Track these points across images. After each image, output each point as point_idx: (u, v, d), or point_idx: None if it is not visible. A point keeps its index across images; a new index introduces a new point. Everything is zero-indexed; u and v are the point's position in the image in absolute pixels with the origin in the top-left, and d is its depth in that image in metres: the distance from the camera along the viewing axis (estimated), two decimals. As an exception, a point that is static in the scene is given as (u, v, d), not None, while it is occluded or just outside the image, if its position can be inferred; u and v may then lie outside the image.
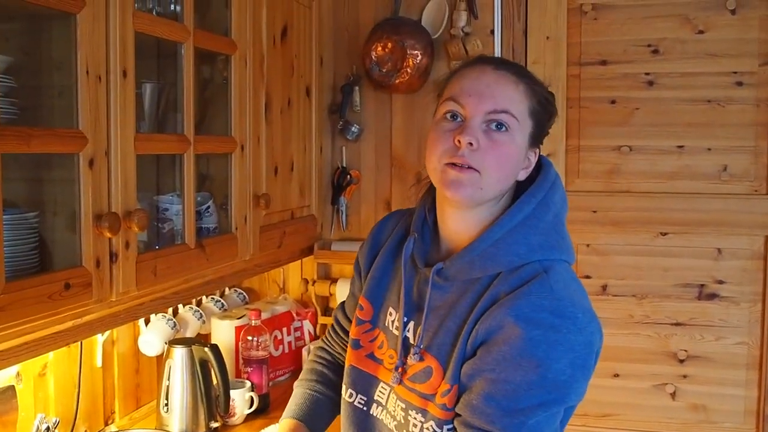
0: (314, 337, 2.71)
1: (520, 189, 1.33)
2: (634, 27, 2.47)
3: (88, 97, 1.35)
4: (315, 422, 1.51)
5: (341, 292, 2.64)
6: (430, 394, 1.28)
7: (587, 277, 2.55)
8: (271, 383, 2.36)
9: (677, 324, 2.50)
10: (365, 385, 1.40)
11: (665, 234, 2.50)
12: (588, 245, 2.55)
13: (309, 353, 1.66)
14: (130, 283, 1.48)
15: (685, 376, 2.50)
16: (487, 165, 1.24)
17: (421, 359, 1.30)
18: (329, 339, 1.63)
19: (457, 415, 1.24)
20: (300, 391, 1.58)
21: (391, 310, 1.40)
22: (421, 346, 1.30)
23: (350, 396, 1.43)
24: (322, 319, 2.75)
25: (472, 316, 1.24)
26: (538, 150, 1.33)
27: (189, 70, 1.68)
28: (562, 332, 1.18)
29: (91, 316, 1.45)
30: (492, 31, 2.55)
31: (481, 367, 1.21)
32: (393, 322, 1.38)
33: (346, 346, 1.50)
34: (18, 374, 1.77)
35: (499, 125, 1.24)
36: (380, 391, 1.38)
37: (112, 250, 1.43)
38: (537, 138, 1.31)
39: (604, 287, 2.55)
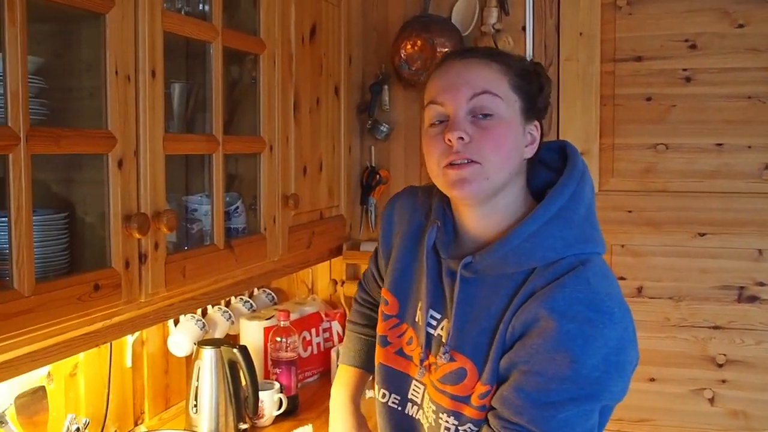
0: (343, 338, 2.68)
1: (532, 170, 1.31)
2: (671, 21, 2.42)
3: (117, 98, 1.34)
4: (372, 364, 1.51)
5: (371, 292, 2.61)
6: (464, 396, 1.24)
7: (622, 278, 2.50)
8: (299, 384, 2.34)
9: (716, 327, 2.44)
10: (397, 383, 1.38)
11: (703, 234, 2.44)
12: (623, 246, 2.50)
13: (356, 293, 1.68)
14: (159, 284, 1.47)
15: (724, 381, 2.44)
16: (485, 153, 1.21)
17: (452, 360, 1.26)
18: (368, 285, 1.62)
19: (491, 407, 1.21)
20: (354, 336, 1.61)
21: (421, 304, 1.35)
22: (451, 346, 1.26)
23: (383, 396, 1.40)
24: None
25: (507, 314, 1.21)
26: (539, 124, 1.29)
27: (218, 69, 1.66)
28: (598, 327, 1.15)
29: (121, 317, 1.44)
30: (523, 28, 2.51)
31: (515, 359, 1.18)
32: (422, 319, 1.34)
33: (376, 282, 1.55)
34: (49, 374, 1.77)
35: (485, 114, 1.21)
36: (414, 390, 1.35)
37: (141, 251, 1.42)
38: (531, 111, 1.27)
39: (640, 289, 2.50)
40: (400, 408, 1.38)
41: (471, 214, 1.29)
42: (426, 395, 1.32)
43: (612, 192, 2.49)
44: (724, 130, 2.41)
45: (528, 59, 1.32)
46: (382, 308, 1.42)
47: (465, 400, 1.24)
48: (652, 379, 2.49)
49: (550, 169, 1.32)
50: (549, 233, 1.22)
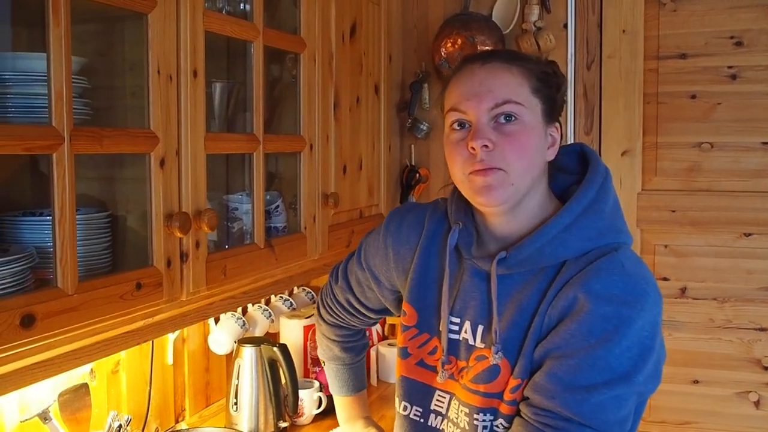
0: (382, 338, 2.68)
1: (552, 174, 1.30)
2: (716, 18, 2.37)
3: (159, 97, 1.35)
4: (361, 382, 1.70)
5: (410, 292, 2.60)
6: (497, 392, 1.23)
7: (665, 279, 2.46)
8: (339, 383, 2.34)
9: (761, 329, 2.39)
10: (420, 395, 1.36)
11: (749, 235, 2.39)
12: (666, 246, 2.46)
13: (320, 322, 1.68)
14: (200, 282, 1.48)
15: (769, 384, 2.40)
16: (509, 160, 1.19)
17: (484, 358, 1.24)
18: (341, 314, 1.60)
19: (524, 397, 1.19)
20: (334, 369, 1.68)
21: (440, 313, 1.33)
22: (500, 344, 1.23)
23: (404, 409, 1.38)
24: (389, 319, 2.72)
25: (542, 306, 1.20)
26: (558, 125, 1.28)
27: (259, 68, 1.67)
28: (635, 309, 1.14)
29: (162, 316, 1.45)
30: (565, 25, 2.49)
31: (549, 347, 1.17)
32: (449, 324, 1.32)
33: (357, 315, 1.57)
34: (92, 371, 1.79)
35: (508, 116, 1.20)
36: (438, 400, 1.33)
37: (182, 250, 1.43)
38: (551, 114, 1.26)
39: (683, 290, 2.46)
40: (422, 420, 1.36)
41: (497, 217, 1.27)
42: (453, 402, 1.30)
43: (655, 191, 2.46)
44: (770, 128, 2.36)
45: (543, 59, 1.31)
46: (401, 320, 1.40)
47: (498, 396, 1.23)
48: (696, 382, 2.45)
49: (567, 173, 1.32)
50: (583, 224, 1.22)
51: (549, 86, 1.26)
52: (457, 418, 1.29)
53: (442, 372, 1.31)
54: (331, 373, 1.69)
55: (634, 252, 1.25)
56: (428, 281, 1.36)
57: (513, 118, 1.20)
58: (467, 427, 1.27)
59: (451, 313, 1.31)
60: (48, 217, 1.16)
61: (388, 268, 1.45)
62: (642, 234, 2.48)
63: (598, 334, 1.13)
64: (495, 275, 1.24)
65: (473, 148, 1.19)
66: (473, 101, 1.21)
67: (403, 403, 1.38)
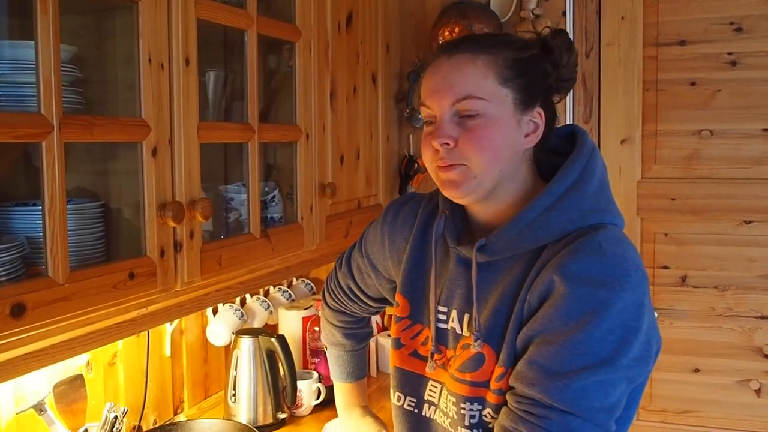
0: (381, 328, 2.68)
1: (545, 158, 1.28)
2: (715, 4, 2.35)
3: (150, 86, 1.34)
4: (362, 370, 1.71)
5: (409, 282, 2.59)
6: (483, 381, 1.21)
7: (665, 267, 2.45)
8: (338, 374, 2.33)
9: (762, 317, 2.38)
10: (413, 386, 1.35)
11: (749, 222, 2.38)
12: (666, 234, 2.45)
13: (324, 308, 1.69)
14: (195, 272, 1.47)
15: (770, 372, 2.39)
16: (470, 155, 1.19)
17: (468, 347, 1.23)
18: (343, 300, 1.61)
19: (510, 387, 1.17)
20: (335, 354, 1.69)
21: (431, 303, 1.32)
22: (480, 332, 1.23)
23: (398, 399, 1.37)
24: (389, 310, 2.71)
25: (522, 292, 1.18)
26: (541, 111, 1.23)
27: (253, 57, 1.65)
28: (614, 289, 1.10)
29: (157, 306, 1.44)
30: (564, 13, 2.47)
31: (529, 333, 1.15)
32: (437, 314, 1.31)
33: (357, 302, 1.58)
34: (88, 363, 1.79)
35: (469, 114, 1.19)
36: (431, 390, 1.32)
37: (176, 240, 1.42)
38: (528, 100, 1.22)
39: (684, 278, 2.44)
40: (416, 410, 1.35)
41: (474, 206, 1.27)
42: (443, 392, 1.29)
43: (655, 179, 2.44)
44: (771, 115, 2.34)
45: (536, 36, 1.25)
46: (394, 311, 1.40)
47: (485, 384, 1.21)
48: (697, 370, 2.44)
49: (561, 155, 1.28)
50: (564, 206, 1.19)
51: (526, 72, 1.21)
52: (446, 408, 1.28)
53: (431, 362, 1.30)
54: (333, 358, 1.69)
55: (619, 232, 1.21)
56: (420, 272, 1.36)
57: (476, 116, 1.19)
58: (455, 417, 1.25)
59: (438, 303, 1.30)
60: (38, 207, 1.15)
61: (384, 257, 1.45)
62: (642, 222, 2.47)
63: (576, 318, 1.10)
64: (475, 262, 1.23)
65: (435, 146, 1.20)
66: (436, 97, 1.21)
67: (397, 393, 1.38)
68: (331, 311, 1.65)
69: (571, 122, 2.49)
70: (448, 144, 1.19)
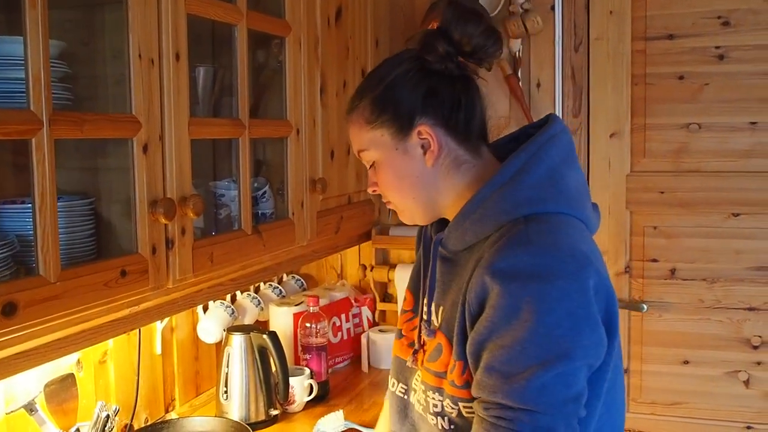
0: (373, 324, 2.68)
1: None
2: (703, -2, 2.36)
3: (140, 81, 1.33)
4: None
5: (400, 277, 2.60)
6: (442, 371, 1.22)
7: (654, 260, 2.46)
8: (330, 370, 2.33)
9: (751, 309, 2.39)
10: (405, 373, 1.36)
11: (737, 215, 2.39)
12: (655, 227, 2.46)
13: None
14: (187, 269, 1.46)
15: (759, 363, 2.40)
16: (386, 194, 1.31)
17: (432, 336, 1.26)
18: None
19: (477, 396, 1.16)
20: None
21: (422, 299, 1.35)
22: (432, 322, 1.27)
23: (393, 385, 1.39)
24: (380, 305, 2.71)
25: (464, 290, 1.18)
26: (426, 124, 1.23)
27: (243, 52, 1.64)
28: (548, 281, 1.08)
29: (149, 304, 1.43)
30: (552, 7, 2.47)
31: (478, 339, 1.13)
32: (425, 312, 1.32)
33: None
34: (79, 362, 1.78)
35: (369, 164, 1.30)
36: (416, 378, 1.33)
37: (167, 237, 1.41)
38: (403, 125, 1.23)
39: (673, 271, 2.45)
40: (405, 396, 1.36)
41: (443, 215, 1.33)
42: (418, 379, 1.31)
43: (644, 173, 2.45)
44: (758, 108, 2.36)
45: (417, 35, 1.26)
46: (402, 305, 1.44)
47: (443, 375, 1.22)
48: (686, 362, 2.45)
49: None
50: (501, 196, 1.18)
51: (389, 103, 1.24)
52: (420, 396, 1.30)
53: (410, 357, 1.33)
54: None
55: (557, 220, 1.17)
56: (419, 269, 1.40)
57: (372, 162, 1.29)
58: (426, 404, 1.27)
59: (430, 299, 1.31)
60: (30, 205, 1.14)
61: None
62: (631, 216, 2.48)
63: (516, 316, 1.08)
64: (434, 257, 1.29)
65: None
66: None
67: (393, 380, 1.40)
68: None
69: (560, 115, 2.49)
70: (375, 190, 1.32)
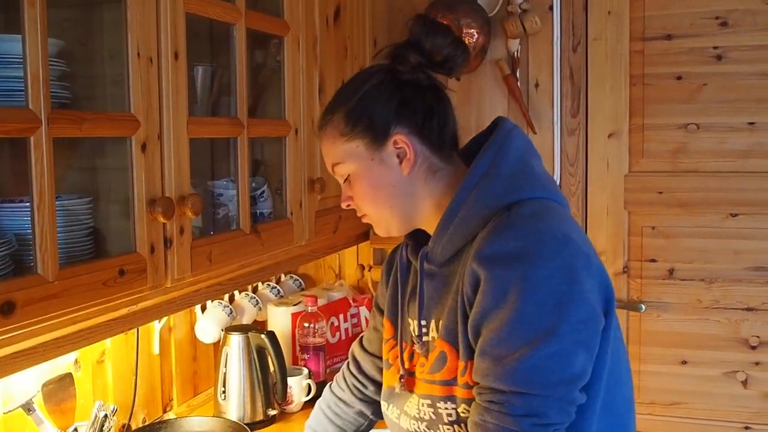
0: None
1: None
2: (701, -2, 2.36)
3: (139, 80, 1.32)
4: None
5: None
6: (451, 379, 1.22)
7: (653, 260, 2.46)
8: (328, 370, 2.33)
9: (749, 309, 2.40)
10: (401, 400, 1.35)
11: (735, 215, 2.39)
12: (653, 228, 2.46)
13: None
14: (185, 269, 1.46)
15: (757, 364, 2.40)
16: (362, 206, 1.31)
17: (425, 348, 1.27)
18: (340, 375, 1.63)
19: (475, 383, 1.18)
20: (319, 414, 1.63)
21: (409, 320, 1.35)
22: (423, 337, 1.28)
23: (391, 411, 1.38)
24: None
25: (459, 286, 1.20)
26: (401, 133, 1.25)
27: (242, 51, 1.64)
28: (531, 261, 1.11)
29: (147, 303, 1.43)
30: (551, 7, 2.47)
31: (473, 326, 1.16)
32: (416, 329, 1.32)
33: (354, 381, 1.57)
34: (76, 362, 1.77)
35: (343, 177, 1.31)
36: (410, 401, 1.32)
37: (166, 236, 1.40)
38: (378, 135, 1.25)
39: (671, 271, 2.45)
40: (397, 420, 1.35)
41: (419, 227, 1.33)
42: (412, 400, 1.30)
43: (642, 173, 2.45)
44: (756, 108, 2.36)
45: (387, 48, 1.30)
46: (383, 334, 1.44)
47: (453, 382, 1.22)
48: (684, 362, 2.45)
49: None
50: (479, 194, 1.21)
51: (363, 114, 1.26)
52: (419, 413, 1.28)
53: (398, 383, 1.33)
54: (313, 415, 1.65)
55: (537, 204, 1.20)
56: (397, 295, 1.40)
57: (348, 177, 1.29)
58: (434, 417, 1.26)
59: (420, 318, 1.30)
60: (28, 204, 1.13)
61: (384, 297, 1.48)
62: (629, 216, 2.48)
63: (503, 298, 1.11)
64: (420, 270, 1.29)
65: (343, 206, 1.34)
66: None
67: (391, 406, 1.38)
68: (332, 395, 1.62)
69: (559, 117, 2.49)
70: (349, 205, 1.32)
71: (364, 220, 1.34)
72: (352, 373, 1.58)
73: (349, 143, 1.27)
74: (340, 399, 1.59)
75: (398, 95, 1.26)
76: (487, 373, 1.12)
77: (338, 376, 1.63)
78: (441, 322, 1.25)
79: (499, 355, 1.11)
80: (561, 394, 1.11)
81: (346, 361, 1.63)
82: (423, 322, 1.30)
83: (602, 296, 1.17)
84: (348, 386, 1.59)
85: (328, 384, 1.65)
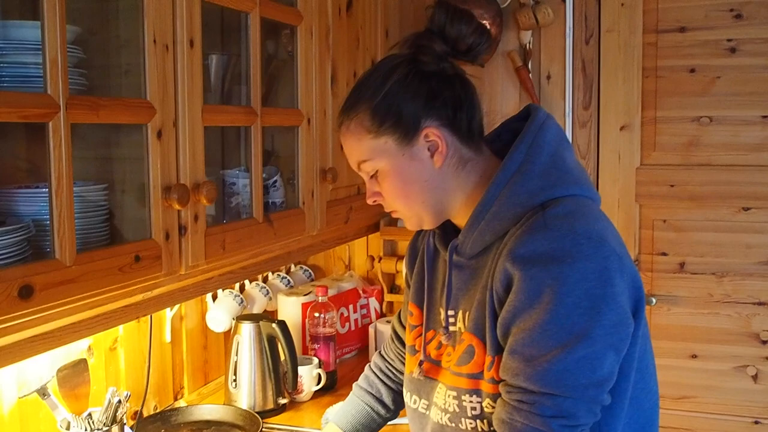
0: (380, 315, 2.68)
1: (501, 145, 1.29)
2: (716, -10, 2.35)
3: (155, 67, 1.33)
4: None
5: (408, 269, 2.60)
6: (477, 372, 1.22)
7: (664, 254, 2.46)
8: (338, 360, 2.34)
9: (760, 303, 2.39)
10: (427, 389, 1.35)
11: (747, 209, 2.38)
12: (665, 221, 2.46)
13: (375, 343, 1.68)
14: (200, 256, 1.46)
15: (767, 358, 2.39)
16: (392, 202, 1.28)
17: (461, 340, 1.26)
18: (385, 346, 1.64)
19: (501, 379, 1.17)
20: (354, 400, 1.61)
21: (440, 309, 1.34)
22: (451, 328, 1.27)
23: (414, 402, 1.38)
24: (388, 297, 2.71)
25: (489, 282, 1.19)
26: (432, 126, 1.22)
27: (255, 40, 1.64)
28: (566, 262, 1.10)
29: (161, 290, 1.44)
30: (563, -1, 2.47)
31: (504, 323, 1.15)
32: (444, 319, 1.32)
33: (400, 354, 1.57)
34: (90, 348, 1.78)
35: (370, 174, 1.28)
36: (438, 391, 1.32)
37: (181, 223, 1.41)
38: (409, 130, 1.22)
39: (682, 265, 2.45)
40: (427, 412, 1.35)
41: (450, 219, 1.31)
42: (440, 388, 1.30)
43: (654, 166, 2.45)
44: (770, 102, 2.35)
45: (407, 39, 1.27)
46: (409, 320, 1.43)
47: (480, 375, 1.22)
48: (694, 356, 2.45)
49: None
50: (513, 190, 1.20)
51: (391, 108, 1.22)
52: (445, 404, 1.28)
53: (417, 368, 1.33)
54: (347, 400, 1.64)
55: (572, 203, 1.18)
56: (428, 282, 1.38)
57: (374, 172, 1.27)
58: (457, 410, 1.26)
59: (448, 308, 1.30)
60: (45, 189, 1.14)
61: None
62: (641, 209, 2.47)
63: (537, 299, 1.10)
64: (450, 262, 1.28)
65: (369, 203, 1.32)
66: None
67: (414, 396, 1.38)
68: (374, 364, 1.64)
69: (571, 109, 2.49)
70: (376, 201, 1.30)
71: (394, 215, 1.32)
72: (395, 343, 1.60)
73: (377, 140, 1.24)
74: (390, 363, 1.61)
75: (425, 87, 1.23)
76: (517, 372, 1.12)
77: (385, 345, 1.65)
78: (468, 314, 1.25)
79: (530, 355, 1.11)
80: (590, 396, 1.11)
81: (390, 335, 1.64)
82: (450, 312, 1.29)
83: (632, 297, 1.16)
84: (396, 355, 1.60)
85: (377, 351, 1.67)
